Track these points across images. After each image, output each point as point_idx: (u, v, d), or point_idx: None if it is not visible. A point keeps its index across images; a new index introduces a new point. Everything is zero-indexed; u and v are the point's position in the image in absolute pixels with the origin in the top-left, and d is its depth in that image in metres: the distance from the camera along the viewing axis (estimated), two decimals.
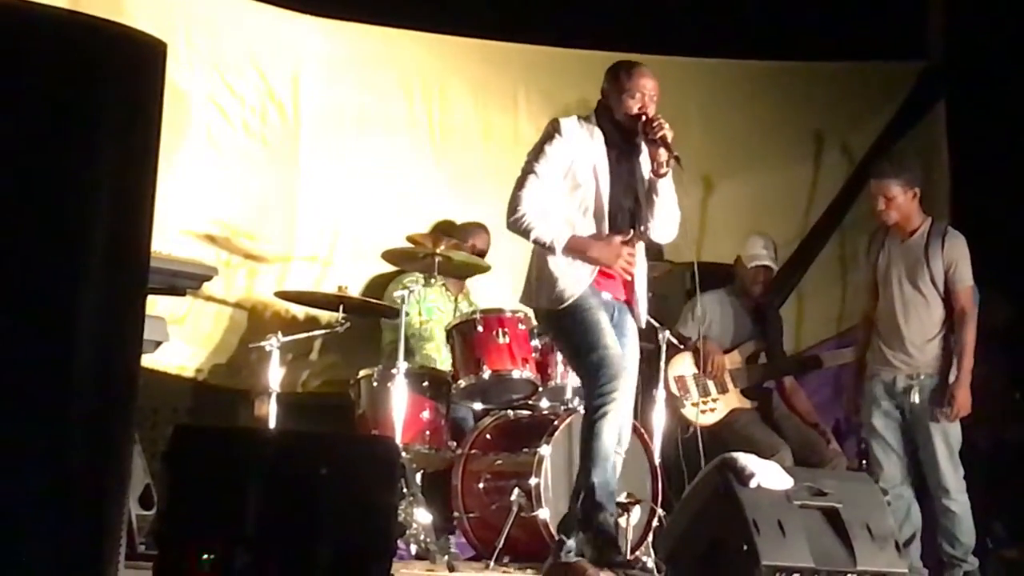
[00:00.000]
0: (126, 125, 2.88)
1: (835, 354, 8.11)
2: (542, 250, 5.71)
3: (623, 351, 5.71)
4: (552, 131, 5.74)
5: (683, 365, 7.72)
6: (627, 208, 5.76)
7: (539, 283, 5.78)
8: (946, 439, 6.81)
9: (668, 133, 5.60)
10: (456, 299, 7.73)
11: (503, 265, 7.60)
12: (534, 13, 8.34)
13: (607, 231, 5.69)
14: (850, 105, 9.39)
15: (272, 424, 6.71)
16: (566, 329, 5.78)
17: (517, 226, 5.66)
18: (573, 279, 5.68)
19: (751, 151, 9.14)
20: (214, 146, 7.71)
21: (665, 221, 5.82)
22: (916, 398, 6.83)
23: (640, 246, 5.83)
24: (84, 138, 2.79)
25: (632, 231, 5.75)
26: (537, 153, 5.72)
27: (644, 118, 5.68)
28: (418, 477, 6.78)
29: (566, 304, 5.68)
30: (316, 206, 8.07)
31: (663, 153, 5.62)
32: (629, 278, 5.79)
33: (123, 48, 2.88)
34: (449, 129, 8.48)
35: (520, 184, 5.68)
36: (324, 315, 7.56)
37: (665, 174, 5.70)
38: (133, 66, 2.90)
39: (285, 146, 8.00)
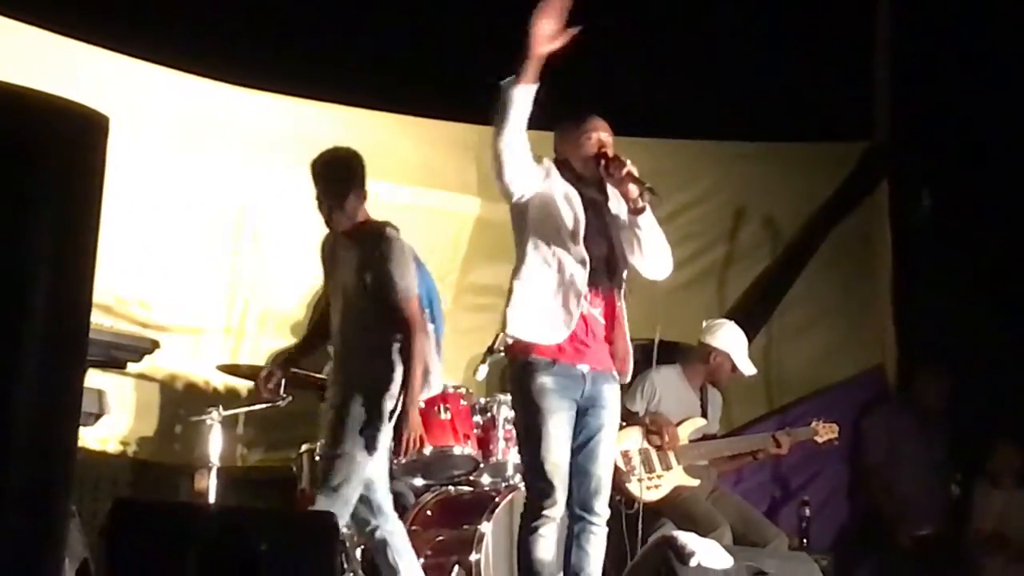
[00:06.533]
0: (66, 198, 2.87)
1: (805, 431, 7.96)
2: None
3: (599, 421, 5.40)
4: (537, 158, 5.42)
5: (629, 440, 7.54)
6: (600, 256, 5.40)
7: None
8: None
9: (632, 168, 5.31)
10: None
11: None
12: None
13: (587, 274, 5.35)
14: (782, 183, 9.43)
15: (212, 499, 6.66)
16: (516, 402, 5.52)
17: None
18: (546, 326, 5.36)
19: (678, 228, 8.93)
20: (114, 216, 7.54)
21: (655, 255, 5.46)
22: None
23: (621, 300, 5.51)
24: (22, 212, 2.77)
25: (609, 281, 5.46)
26: None
27: (604, 159, 5.39)
28: (358, 553, 6.73)
29: (527, 354, 5.37)
30: (230, 276, 8.03)
31: (633, 189, 5.31)
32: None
33: (63, 121, 2.87)
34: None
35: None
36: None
37: (643, 209, 5.35)
38: (73, 139, 2.89)
39: (191, 215, 7.90)
